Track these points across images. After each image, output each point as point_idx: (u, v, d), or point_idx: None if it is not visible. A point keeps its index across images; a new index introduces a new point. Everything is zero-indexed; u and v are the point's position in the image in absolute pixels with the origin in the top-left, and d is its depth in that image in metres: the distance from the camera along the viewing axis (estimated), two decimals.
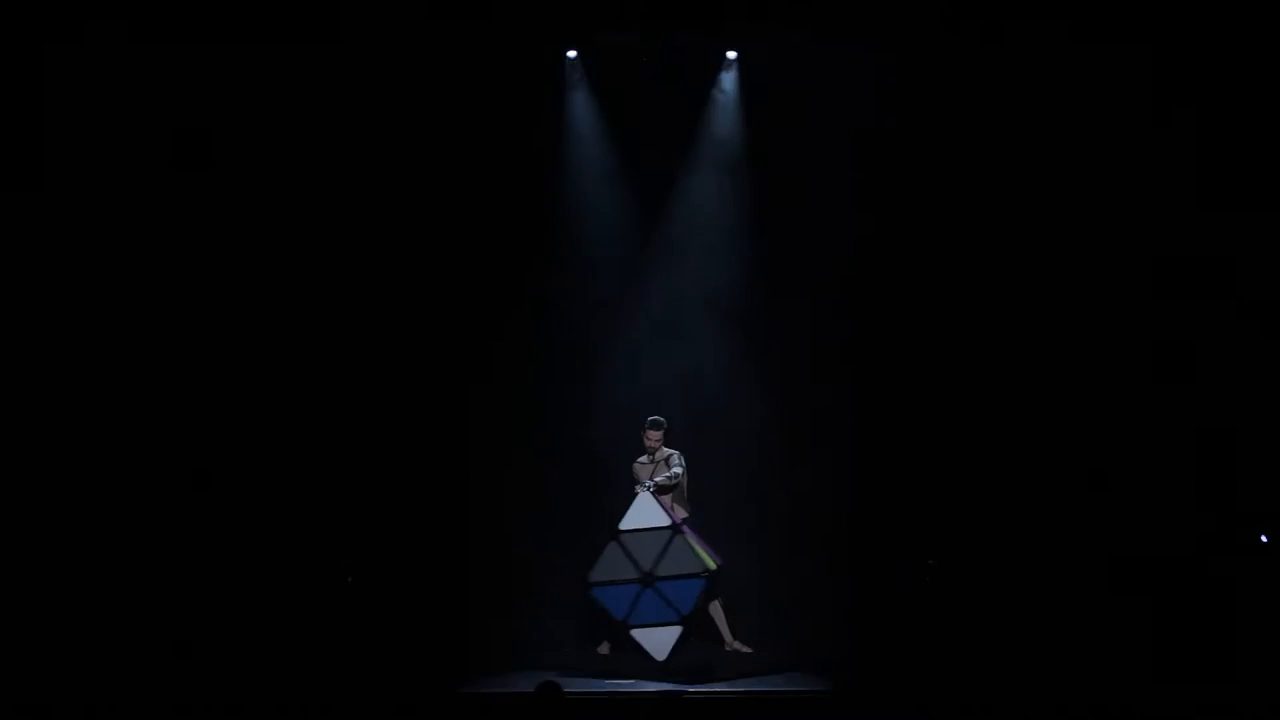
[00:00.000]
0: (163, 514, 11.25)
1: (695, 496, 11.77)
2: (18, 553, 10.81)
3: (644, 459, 11.71)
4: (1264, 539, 10.82)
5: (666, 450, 11.64)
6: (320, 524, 11.56)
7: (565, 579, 12.00)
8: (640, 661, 11.13)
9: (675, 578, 11.02)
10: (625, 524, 11.15)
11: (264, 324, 11.72)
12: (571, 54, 12.36)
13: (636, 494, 11.29)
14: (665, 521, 11.13)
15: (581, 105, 12.49)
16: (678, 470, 11.51)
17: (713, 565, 11.15)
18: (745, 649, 11.61)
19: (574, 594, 11.93)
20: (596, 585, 11.11)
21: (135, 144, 11.36)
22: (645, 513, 11.17)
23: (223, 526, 11.30)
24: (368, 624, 11.30)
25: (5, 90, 11.13)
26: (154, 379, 11.41)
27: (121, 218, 11.39)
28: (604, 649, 11.57)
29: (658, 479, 11.42)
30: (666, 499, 11.47)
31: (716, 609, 11.60)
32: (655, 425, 11.64)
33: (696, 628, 11.31)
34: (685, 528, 11.15)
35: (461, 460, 12.22)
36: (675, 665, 11.03)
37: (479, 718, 10.52)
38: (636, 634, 11.09)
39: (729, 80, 12.42)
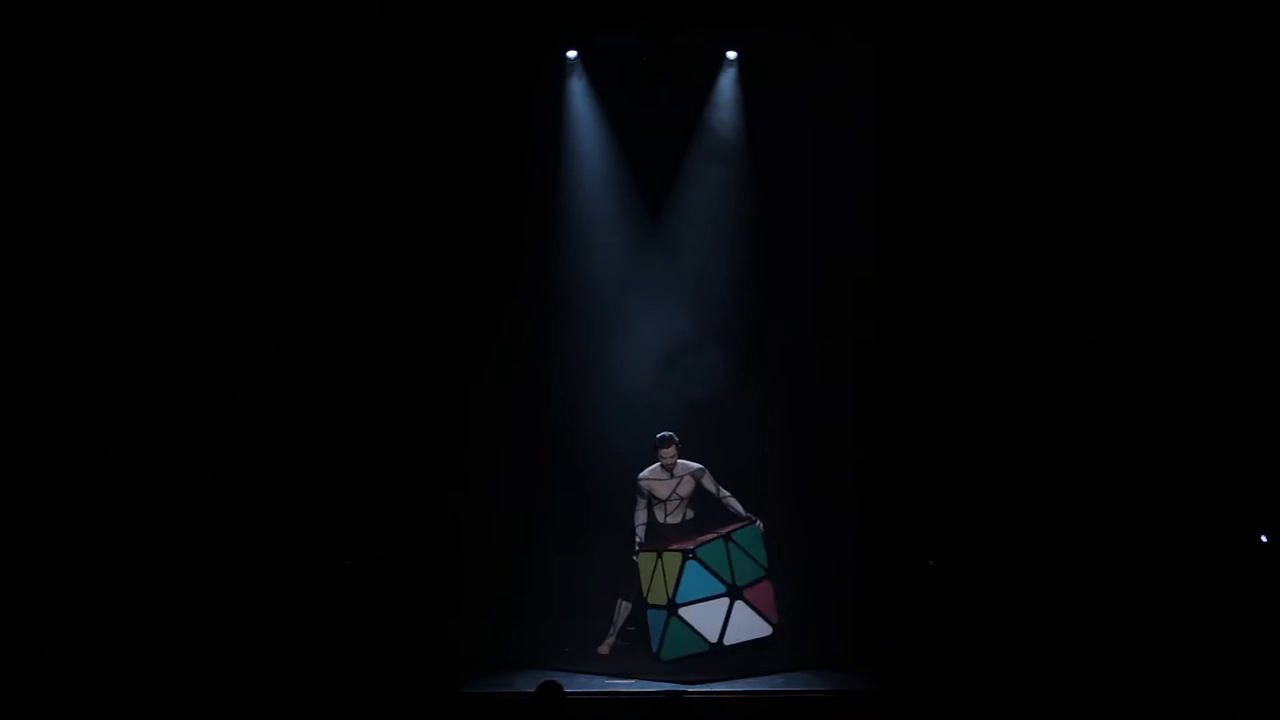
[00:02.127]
0: (160, 513, 11.25)
1: (696, 497, 11.79)
2: (17, 550, 10.82)
3: (659, 475, 11.38)
4: (1264, 539, 10.85)
5: (687, 464, 11.37)
6: (319, 524, 11.57)
7: (565, 579, 12.02)
8: (641, 661, 11.13)
9: (745, 644, 11.09)
10: (680, 597, 10.99)
11: (261, 322, 11.72)
12: (571, 54, 12.37)
13: (684, 559, 11.00)
14: (720, 589, 11.07)
15: (581, 105, 12.49)
16: (728, 496, 11.37)
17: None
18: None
19: (574, 594, 11.96)
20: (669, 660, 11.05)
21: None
22: (698, 582, 11.05)
23: (221, 527, 11.30)
24: (367, 624, 11.30)
25: None
26: (150, 376, 11.41)
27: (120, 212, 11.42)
28: (604, 649, 11.55)
29: (733, 518, 11.23)
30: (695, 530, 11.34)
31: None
32: (666, 442, 11.31)
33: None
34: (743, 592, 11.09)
35: (460, 459, 12.21)
36: (676, 666, 11.04)
37: (479, 718, 10.50)
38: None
39: (729, 80, 12.43)
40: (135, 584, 10.93)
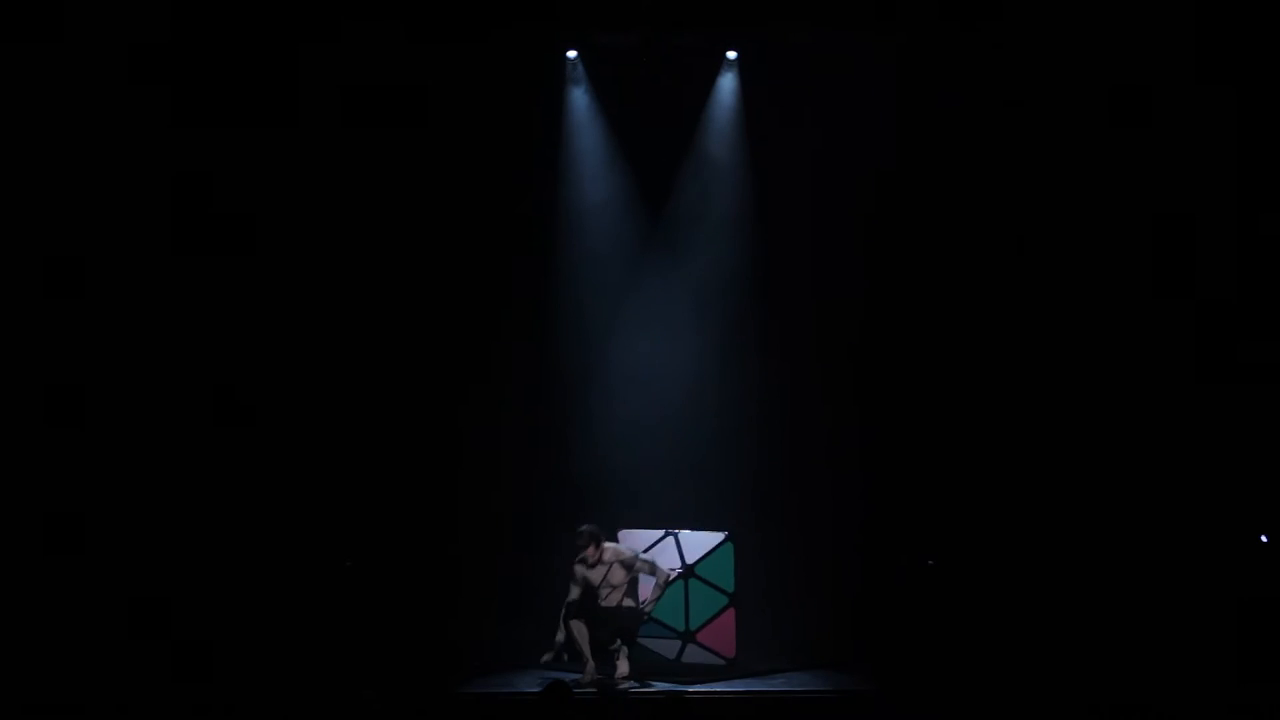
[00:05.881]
0: (159, 513, 11.24)
1: (697, 497, 11.86)
2: (16, 547, 10.81)
3: (588, 567, 10.76)
4: (1264, 539, 10.89)
5: (618, 550, 10.77)
6: (320, 526, 11.58)
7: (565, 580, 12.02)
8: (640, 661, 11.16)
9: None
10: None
11: (260, 324, 11.72)
12: (571, 54, 12.37)
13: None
14: (673, 634, 11.19)
15: (581, 106, 12.49)
16: (664, 574, 10.90)
17: None
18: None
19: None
20: None
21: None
22: (653, 630, 11.14)
23: (222, 528, 11.30)
24: (368, 624, 11.30)
25: None
26: (147, 376, 11.40)
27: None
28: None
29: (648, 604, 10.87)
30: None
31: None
32: (584, 539, 10.68)
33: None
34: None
35: (459, 459, 12.21)
36: (676, 666, 11.06)
37: (479, 718, 10.50)
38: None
39: (729, 81, 12.43)
40: (135, 584, 10.93)
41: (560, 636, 10.71)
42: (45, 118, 11.07)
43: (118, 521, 11.10)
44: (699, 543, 11.31)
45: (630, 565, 10.77)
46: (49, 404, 11.05)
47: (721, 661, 11.18)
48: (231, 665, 10.65)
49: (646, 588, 10.96)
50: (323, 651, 10.96)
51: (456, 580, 11.94)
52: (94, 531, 11.00)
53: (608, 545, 10.77)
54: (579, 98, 12.45)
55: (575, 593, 10.73)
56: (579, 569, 10.74)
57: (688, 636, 11.16)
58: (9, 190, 11.09)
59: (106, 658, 10.52)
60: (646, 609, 10.86)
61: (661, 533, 11.31)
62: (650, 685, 10.74)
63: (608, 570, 10.70)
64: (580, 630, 10.64)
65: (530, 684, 10.62)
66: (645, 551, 11.15)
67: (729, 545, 11.19)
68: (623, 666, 10.79)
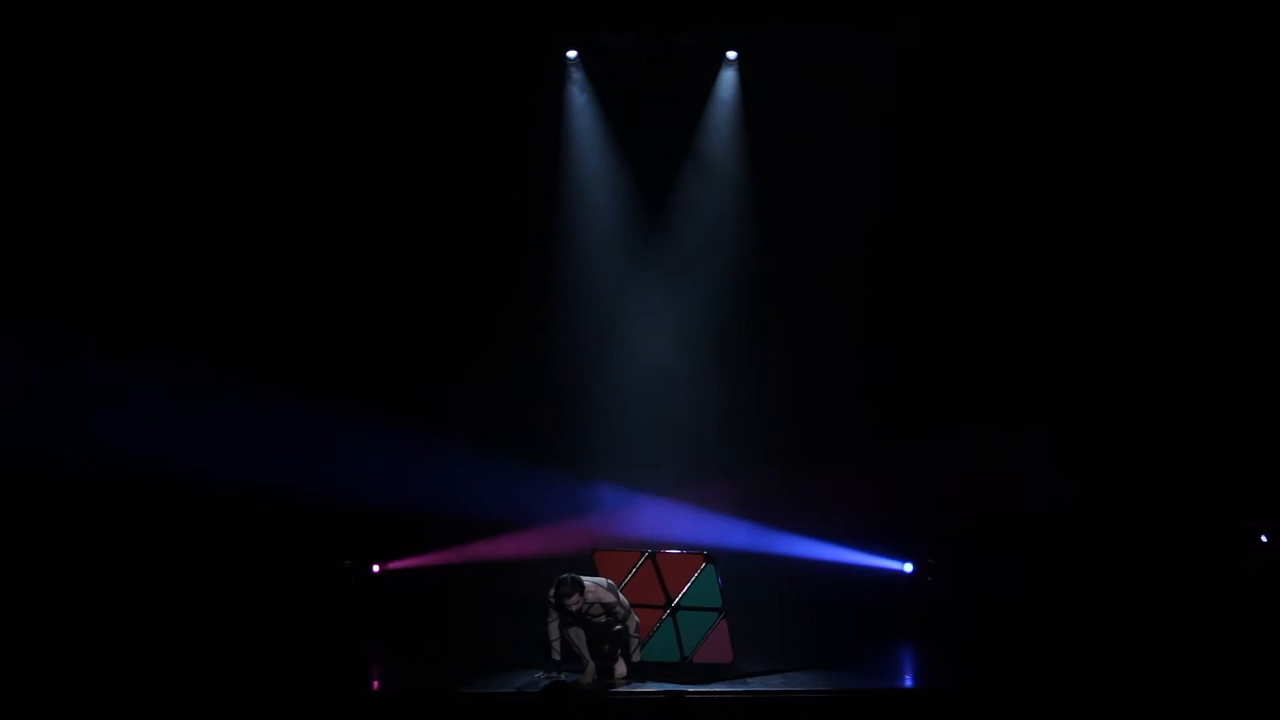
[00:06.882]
0: (160, 510, 11.27)
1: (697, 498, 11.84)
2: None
3: (572, 611, 10.57)
4: (1264, 539, 10.90)
5: (599, 584, 10.66)
6: (322, 526, 11.60)
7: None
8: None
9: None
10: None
11: (259, 327, 11.75)
12: (571, 54, 12.39)
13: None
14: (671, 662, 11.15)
15: (581, 106, 12.50)
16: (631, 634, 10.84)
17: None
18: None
19: None
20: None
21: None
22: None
23: (223, 527, 11.32)
24: (368, 623, 11.32)
25: None
26: (146, 375, 11.43)
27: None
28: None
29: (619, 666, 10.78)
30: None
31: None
32: (571, 585, 10.49)
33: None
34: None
35: (459, 460, 12.22)
36: (677, 667, 11.07)
37: (479, 718, 10.50)
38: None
39: (729, 80, 12.44)
40: (135, 586, 10.95)
41: (556, 655, 10.68)
42: None
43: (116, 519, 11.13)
44: (680, 568, 11.16)
45: (611, 608, 10.72)
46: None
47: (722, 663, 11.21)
48: (231, 664, 10.66)
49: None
50: (323, 651, 10.96)
51: (457, 580, 11.96)
52: (94, 530, 11.03)
53: (588, 587, 10.68)
54: (579, 98, 12.47)
55: (554, 628, 10.63)
56: (562, 612, 10.61)
57: (685, 663, 11.15)
58: None
59: (103, 656, 10.53)
60: (635, 656, 10.88)
61: (640, 555, 11.27)
62: (649, 685, 10.76)
63: (590, 606, 10.66)
64: (577, 634, 10.65)
65: (530, 684, 10.64)
66: (625, 580, 11.14)
67: (710, 567, 11.16)
68: (620, 668, 10.80)
